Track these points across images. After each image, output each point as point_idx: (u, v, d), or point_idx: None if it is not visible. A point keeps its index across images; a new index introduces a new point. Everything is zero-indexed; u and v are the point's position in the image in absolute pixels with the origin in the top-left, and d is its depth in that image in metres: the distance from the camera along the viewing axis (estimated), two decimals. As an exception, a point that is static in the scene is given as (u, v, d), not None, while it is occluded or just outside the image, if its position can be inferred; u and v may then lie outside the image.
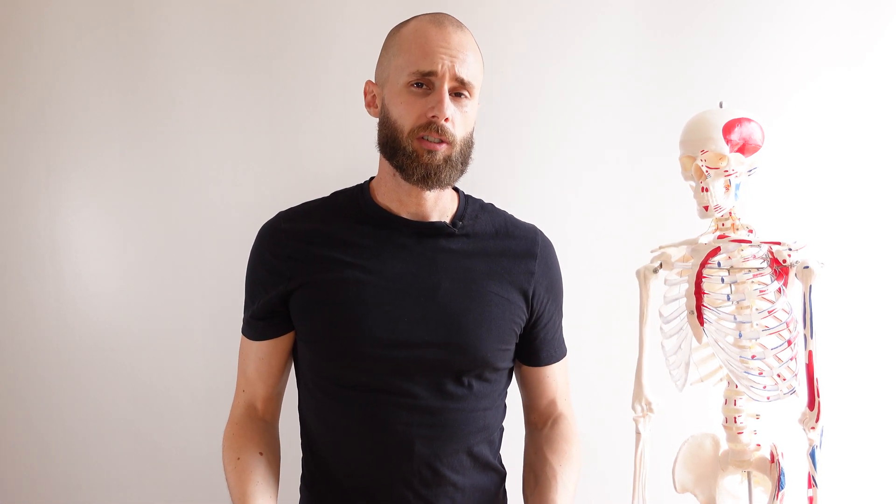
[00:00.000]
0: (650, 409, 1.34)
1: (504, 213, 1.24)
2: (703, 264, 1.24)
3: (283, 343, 1.17)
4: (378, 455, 1.10)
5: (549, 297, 1.22)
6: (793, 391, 1.18)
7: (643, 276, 1.35)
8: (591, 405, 1.66)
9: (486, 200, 1.24)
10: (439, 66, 1.05)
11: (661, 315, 1.31)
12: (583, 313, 1.68)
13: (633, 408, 1.35)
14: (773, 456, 1.23)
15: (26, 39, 1.70)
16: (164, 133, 1.71)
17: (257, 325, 1.16)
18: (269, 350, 1.16)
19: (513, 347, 1.18)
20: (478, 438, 1.15)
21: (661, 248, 1.35)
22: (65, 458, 1.73)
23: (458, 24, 1.11)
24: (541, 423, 1.26)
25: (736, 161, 1.24)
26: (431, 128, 1.05)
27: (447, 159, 1.07)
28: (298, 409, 1.20)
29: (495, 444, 1.21)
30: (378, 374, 1.09)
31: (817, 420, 1.15)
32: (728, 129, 1.24)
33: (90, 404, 1.72)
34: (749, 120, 1.25)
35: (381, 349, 1.08)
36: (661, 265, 1.33)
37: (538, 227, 1.25)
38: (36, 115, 1.72)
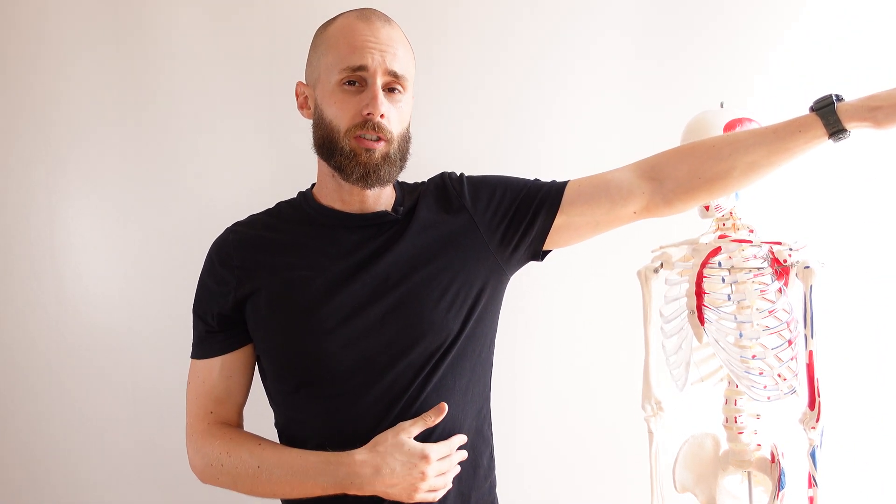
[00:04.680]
0: (660, 408, 1.34)
1: (417, 184, 1.22)
2: (704, 264, 1.24)
3: (247, 355, 1.13)
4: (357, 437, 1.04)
5: (497, 194, 1.16)
6: (793, 391, 1.18)
7: (644, 277, 1.35)
8: (593, 405, 1.67)
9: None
10: (370, 61, 1.04)
11: (661, 315, 1.31)
12: (584, 314, 1.68)
13: (644, 408, 1.35)
14: (773, 456, 1.23)
15: (27, 39, 1.70)
16: (164, 133, 1.70)
17: (216, 339, 1.12)
18: (236, 364, 1.12)
19: (473, 311, 1.11)
20: (465, 413, 1.10)
21: (661, 248, 1.35)
22: (65, 458, 1.73)
23: (387, 19, 1.10)
24: (651, 180, 1.13)
25: (736, 161, 1.24)
26: (368, 125, 1.04)
27: (385, 157, 1.06)
28: (275, 426, 1.16)
29: (482, 413, 1.15)
30: (339, 368, 1.05)
31: (818, 420, 1.16)
32: (729, 129, 1.24)
33: (90, 404, 1.72)
34: (750, 120, 1.25)
35: (336, 343, 1.05)
36: (661, 265, 1.33)
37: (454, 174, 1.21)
38: (36, 115, 1.71)
